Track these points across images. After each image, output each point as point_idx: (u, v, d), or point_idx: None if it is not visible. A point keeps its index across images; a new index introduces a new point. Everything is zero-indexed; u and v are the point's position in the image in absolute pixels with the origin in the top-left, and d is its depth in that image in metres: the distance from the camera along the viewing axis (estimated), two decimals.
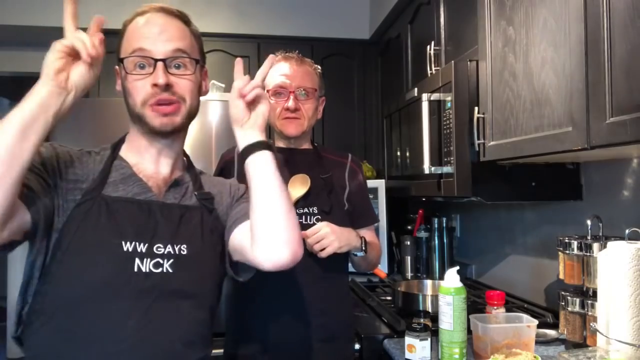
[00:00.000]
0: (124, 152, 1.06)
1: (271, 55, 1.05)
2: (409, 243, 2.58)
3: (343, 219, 1.49)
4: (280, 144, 1.54)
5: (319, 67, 1.58)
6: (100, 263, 0.92)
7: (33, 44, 2.99)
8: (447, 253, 2.46)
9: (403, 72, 2.48)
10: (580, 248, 1.33)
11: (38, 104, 0.84)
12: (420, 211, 2.62)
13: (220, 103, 2.35)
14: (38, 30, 2.80)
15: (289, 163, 1.50)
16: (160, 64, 0.98)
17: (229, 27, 2.92)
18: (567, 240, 1.37)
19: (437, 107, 1.74)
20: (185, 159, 1.14)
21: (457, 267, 1.34)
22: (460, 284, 1.30)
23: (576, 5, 1.10)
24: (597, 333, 1.17)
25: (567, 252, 1.36)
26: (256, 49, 2.92)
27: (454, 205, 2.57)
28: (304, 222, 1.44)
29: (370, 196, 1.70)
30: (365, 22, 3.07)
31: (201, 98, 1.09)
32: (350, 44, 3.05)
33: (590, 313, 1.29)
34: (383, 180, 2.55)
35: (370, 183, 2.11)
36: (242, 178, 1.06)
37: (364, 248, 1.47)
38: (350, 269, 1.58)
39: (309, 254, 1.39)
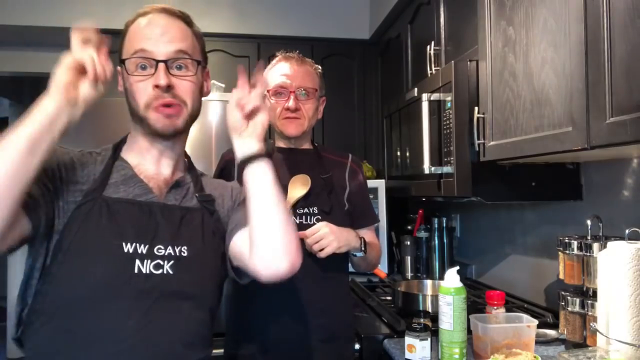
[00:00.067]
0: (125, 152, 1.06)
1: (260, 61, 1.04)
2: (409, 243, 2.58)
3: (343, 219, 1.49)
4: (280, 144, 1.55)
5: (320, 67, 1.58)
6: (100, 264, 0.92)
7: (33, 44, 3.00)
8: (447, 253, 2.46)
9: (403, 72, 2.48)
10: (580, 248, 1.33)
11: (46, 119, 0.83)
12: (420, 211, 2.62)
13: (220, 103, 2.35)
14: (38, 30, 2.80)
15: (289, 163, 1.50)
16: (161, 65, 0.98)
17: (229, 27, 2.92)
18: (567, 240, 1.37)
19: (437, 107, 1.74)
20: (186, 160, 1.14)
21: (457, 267, 1.34)
22: (460, 284, 1.30)
23: (576, 5, 1.10)
24: (597, 333, 1.17)
25: (567, 252, 1.36)
26: (256, 49, 2.92)
27: (454, 205, 2.57)
28: (304, 222, 1.44)
29: (370, 196, 1.70)
30: (365, 22, 3.07)
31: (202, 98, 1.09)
32: (350, 44, 3.05)
33: (590, 313, 1.29)
34: (383, 180, 2.55)
35: (370, 183, 2.11)
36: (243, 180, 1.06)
37: (363, 248, 1.47)
38: (351, 269, 1.58)
39: (308, 254, 1.39)
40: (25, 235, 0.90)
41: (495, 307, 1.47)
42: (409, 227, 2.68)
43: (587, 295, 1.33)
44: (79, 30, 0.87)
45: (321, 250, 1.38)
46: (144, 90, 0.99)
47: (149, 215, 0.98)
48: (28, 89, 4.89)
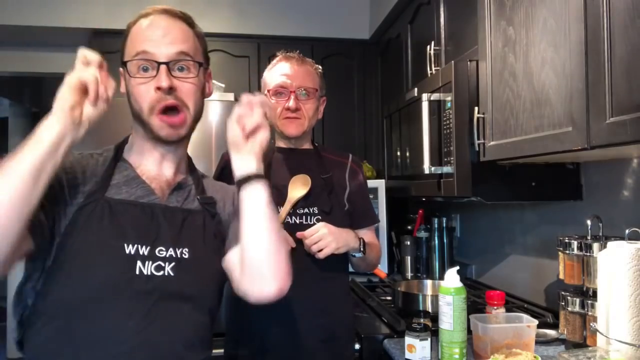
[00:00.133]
0: (127, 153, 1.06)
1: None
2: (409, 243, 2.58)
3: (343, 219, 1.49)
4: (280, 143, 1.55)
5: (320, 67, 1.58)
6: (102, 265, 0.92)
7: (33, 44, 3.00)
8: (447, 253, 2.46)
9: (403, 72, 2.48)
10: (580, 248, 1.33)
11: (52, 141, 0.81)
12: (420, 211, 2.62)
13: (220, 103, 2.35)
14: (38, 30, 2.80)
15: (290, 163, 1.50)
16: (163, 67, 0.98)
17: (229, 27, 2.92)
18: (567, 240, 1.37)
19: (437, 107, 1.74)
20: (187, 161, 1.14)
21: (457, 267, 1.34)
22: (460, 284, 1.30)
23: (576, 5, 1.10)
24: (597, 333, 1.17)
25: (567, 252, 1.36)
26: (256, 49, 2.93)
27: (454, 205, 2.57)
28: (304, 222, 1.44)
29: (370, 196, 1.69)
30: (365, 22, 3.07)
31: None
32: (350, 44, 3.05)
33: (590, 313, 1.29)
34: (383, 180, 2.55)
35: (370, 183, 2.11)
36: None
37: (362, 249, 1.47)
38: (351, 269, 1.58)
39: (307, 254, 1.39)
40: (28, 253, 0.89)
41: (495, 307, 1.47)
42: (409, 227, 2.68)
43: (587, 295, 1.33)
44: (82, 52, 0.87)
45: (320, 251, 1.38)
46: (146, 92, 0.98)
47: (151, 216, 0.98)
48: (28, 89, 4.89)
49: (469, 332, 1.31)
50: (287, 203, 1.43)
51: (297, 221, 1.44)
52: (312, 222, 1.44)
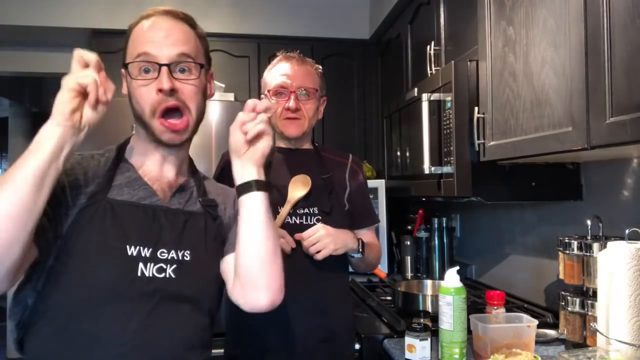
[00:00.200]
0: (129, 154, 1.06)
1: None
2: (409, 243, 2.58)
3: (343, 219, 1.49)
4: (280, 144, 1.54)
5: (320, 67, 1.58)
6: (104, 266, 0.92)
7: (33, 44, 3.00)
8: (447, 253, 2.46)
9: (403, 72, 2.48)
10: (580, 248, 1.33)
11: (53, 147, 0.81)
12: (420, 211, 2.62)
13: (220, 103, 2.35)
14: (38, 30, 2.80)
15: (290, 163, 1.50)
16: (164, 69, 0.97)
17: (229, 27, 2.92)
18: (567, 240, 1.37)
19: (437, 107, 1.74)
20: (189, 163, 1.14)
21: (457, 267, 1.34)
22: (460, 284, 1.30)
23: (576, 5, 1.10)
24: (597, 333, 1.17)
25: (567, 252, 1.36)
26: (256, 49, 2.93)
27: (454, 205, 2.57)
28: (304, 222, 1.44)
29: (371, 196, 1.69)
30: (365, 22, 3.07)
31: None
32: (350, 44, 3.05)
33: (590, 313, 1.29)
34: (383, 180, 2.55)
35: (370, 183, 2.11)
36: None
37: (361, 250, 1.47)
38: (351, 269, 1.58)
39: (307, 255, 1.39)
40: (32, 261, 0.89)
41: (495, 307, 1.47)
42: (409, 227, 2.68)
43: (587, 295, 1.33)
44: (78, 53, 0.86)
45: (318, 252, 1.38)
46: (147, 94, 0.98)
47: (153, 218, 0.98)
48: (28, 89, 4.89)
49: (469, 332, 1.31)
50: (287, 203, 1.43)
51: (297, 221, 1.44)
52: (312, 223, 1.44)
